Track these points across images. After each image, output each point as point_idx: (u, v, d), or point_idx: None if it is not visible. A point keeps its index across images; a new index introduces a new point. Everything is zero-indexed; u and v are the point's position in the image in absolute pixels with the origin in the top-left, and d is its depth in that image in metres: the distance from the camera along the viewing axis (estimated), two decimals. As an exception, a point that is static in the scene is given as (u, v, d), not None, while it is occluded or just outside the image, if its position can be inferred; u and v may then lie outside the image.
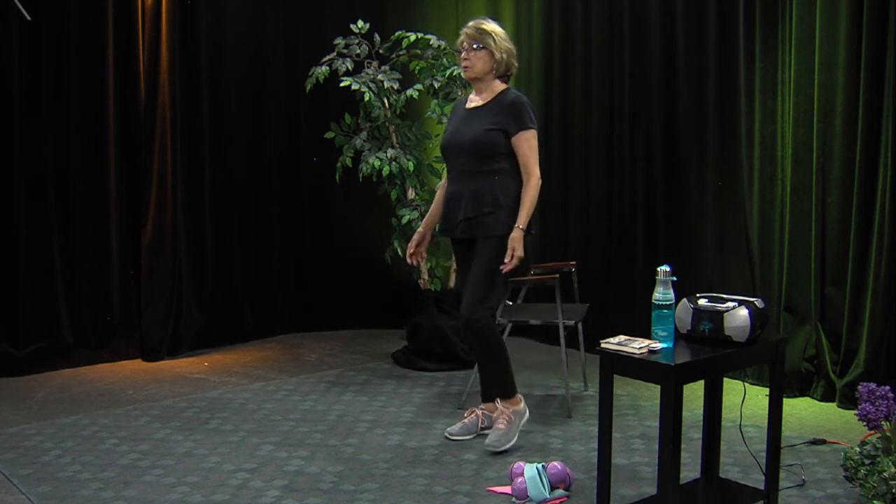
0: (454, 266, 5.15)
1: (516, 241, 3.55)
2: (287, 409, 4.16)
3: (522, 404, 3.78)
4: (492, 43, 3.67)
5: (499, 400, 3.73)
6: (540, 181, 3.64)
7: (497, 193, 3.61)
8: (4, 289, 4.75)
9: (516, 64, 3.79)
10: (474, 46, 3.68)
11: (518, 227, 3.56)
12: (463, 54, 3.72)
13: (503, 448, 3.58)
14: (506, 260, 3.56)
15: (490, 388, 3.78)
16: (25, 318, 4.80)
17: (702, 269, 4.73)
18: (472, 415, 3.80)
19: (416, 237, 3.94)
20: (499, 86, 3.74)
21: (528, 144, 3.62)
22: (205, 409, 4.16)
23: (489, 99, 3.71)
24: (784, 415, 3.13)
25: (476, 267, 3.64)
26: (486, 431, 3.77)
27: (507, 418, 3.66)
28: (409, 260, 3.95)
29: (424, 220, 3.97)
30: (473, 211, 3.63)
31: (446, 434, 3.75)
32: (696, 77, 4.73)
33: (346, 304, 5.90)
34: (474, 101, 3.78)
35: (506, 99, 3.67)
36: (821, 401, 4.25)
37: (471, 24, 3.74)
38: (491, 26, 3.72)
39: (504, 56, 3.70)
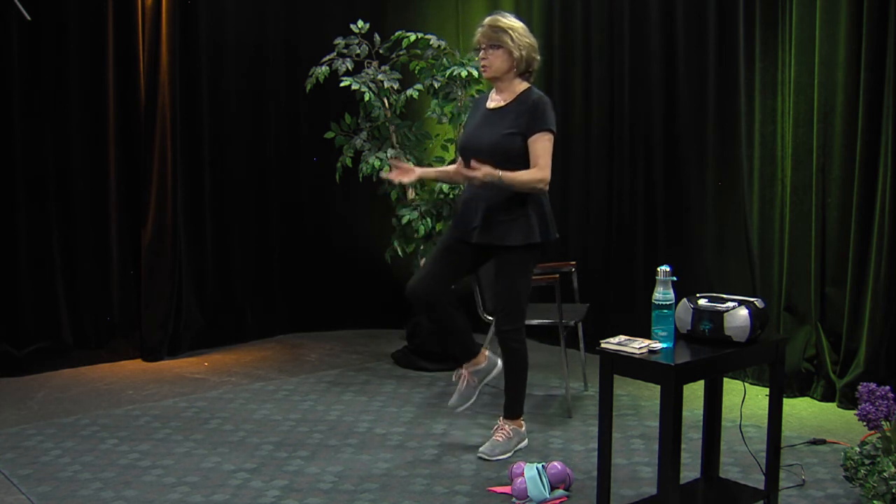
0: None
1: (490, 171, 3.31)
2: (287, 409, 4.16)
3: (524, 428, 3.67)
4: (509, 41, 3.44)
5: (502, 419, 3.64)
6: (545, 182, 3.42)
7: (514, 201, 3.43)
8: (4, 289, 4.75)
9: (538, 58, 3.54)
10: (491, 45, 3.47)
11: (498, 174, 3.32)
12: (480, 53, 3.50)
13: (494, 458, 3.50)
14: (473, 171, 3.31)
15: (508, 403, 3.63)
16: (25, 318, 4.80)
17: (702, 269, 4.73)
18: (460, 378, 3.63)
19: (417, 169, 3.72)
20: (520, 85, 3.53)
21: (541, 145, 3.41)
22: (205, 409, 4.16)
23: (510, 100, 3.51)
24: (784, 415, 3.13)
25: (502, 283, 3.51)
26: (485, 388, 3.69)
27: (506, 433, 3.58)
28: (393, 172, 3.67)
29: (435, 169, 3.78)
30: (490, 217, 3.46)
31: (451, 405, 3.64)
32: (696, 77, 4.73)
33: (346, 304, 5.90)
34: (495, 100, 3.57)
35: (527, 100, 3.47)
36: (821, 401, 4.25)
37: (487, 20, 3.50)
38: (508, 22, 3.48)
39: (524, 53, 3.46)
